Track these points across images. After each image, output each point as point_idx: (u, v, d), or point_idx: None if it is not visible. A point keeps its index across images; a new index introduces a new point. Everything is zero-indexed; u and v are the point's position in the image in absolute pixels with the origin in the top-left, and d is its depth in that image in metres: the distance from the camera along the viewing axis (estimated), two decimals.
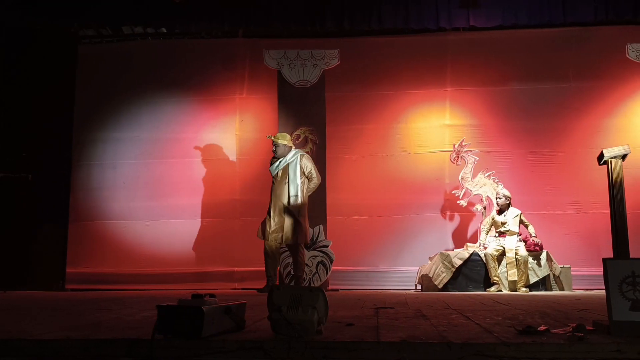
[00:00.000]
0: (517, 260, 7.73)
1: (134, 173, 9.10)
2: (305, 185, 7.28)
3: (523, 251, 7.80)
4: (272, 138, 7.44)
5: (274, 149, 7.36)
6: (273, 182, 7.33)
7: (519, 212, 8.11)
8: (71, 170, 9.02)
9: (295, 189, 7.17)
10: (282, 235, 7.13)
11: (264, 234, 7.20)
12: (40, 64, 8.91)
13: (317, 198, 8.02)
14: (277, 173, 7.29)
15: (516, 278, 7.70)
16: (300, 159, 7.31)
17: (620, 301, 2.66)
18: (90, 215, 9.20)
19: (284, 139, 7.41)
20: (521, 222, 8.08)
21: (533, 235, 8.02)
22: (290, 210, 7.12)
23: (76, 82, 9.19)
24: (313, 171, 7.34)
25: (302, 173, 7.28)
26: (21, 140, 8.75)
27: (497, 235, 8.06)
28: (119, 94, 9.53)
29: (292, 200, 7.13)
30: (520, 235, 7.99)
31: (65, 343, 2.57)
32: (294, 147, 7.48)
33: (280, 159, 7.32)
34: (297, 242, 7.18)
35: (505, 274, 7.76)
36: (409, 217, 9.00)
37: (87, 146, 9.36)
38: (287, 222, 7.10)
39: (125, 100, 9.51)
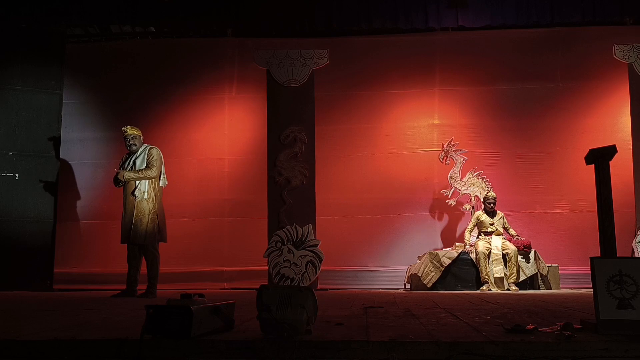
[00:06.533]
0: (507, 254, 7.82)
1: None
2: (156, 184, 6.79)
3: (512, 245, 7.88)
4: (128, 131, 6.89)
5: (128, 143, 6.85)
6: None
7: (502, 214, 8.31)
8: (59, 170, 8.96)
9: (144, 185, 6.73)
10: (131, 235, 6.67)
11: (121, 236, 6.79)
12: (28, 62, 8.85)
13: (306, 197, 8.02)
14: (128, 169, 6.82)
15: (502, 275, 7.75)
16: (149, 150, 6.85)
17: (608, 300, 2.68)
18: (78, 215, 9.17)
19: (139, 132, 6.95)
20: (503, 223, 8.25)
21: (516, 235, 8.12)
22: (139, 207, 6.68)
23: (64, 80, 9.14)
24: (153, 161, 6.77)
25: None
26: (7, 139, 8.68)
27: (482, 234, 8.15)
28: (107, 93, 9.49)
29: (138, 197, 6.70)
30: (503, 235, 8.15)
31: (53, 344, 2.55)
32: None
33: (132, 155, 6.88)
34: (147, 242, 6.70)
35: (492, 272, 7.81)
36: (398, 217, 9.02)
37: (75, 145, 9.30)
38: (137, 221, 6.64)
39: (113, 100, 9.47)
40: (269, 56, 8.32)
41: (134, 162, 6.85)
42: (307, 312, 2.64)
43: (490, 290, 7.62)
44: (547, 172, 8.90)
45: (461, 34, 9.18)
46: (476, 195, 8.57)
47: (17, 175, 8.56)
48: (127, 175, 6.74)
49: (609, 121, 8.87)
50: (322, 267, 7.71)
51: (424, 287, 7.90)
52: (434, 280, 7.90)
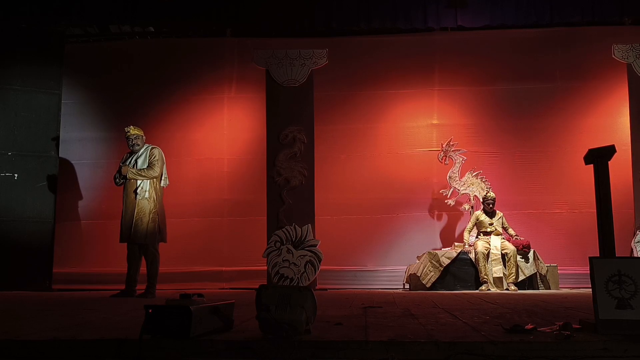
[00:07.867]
0: (506, 254, 7.82)
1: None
2: (157, 183, 6.81)
3: (511, 245, 7.89)
4: (130, 131, 6.90)
5: (131, 143, 6.85)
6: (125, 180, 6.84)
7: (501, 214, 8.31)
8: (58, 170, 8.95)
9: (145, 184, 6.73)
10: (132, 235, 6.65)
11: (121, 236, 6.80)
12: (27, 62, 8.84)
13: (305, 197, 8.02)
14: None
15: (501, 275, 7.76)
16: (150, 150, 6.88)
17: (607, 300, 2.69)
18: (78, 215, 9.17)
19: (141, 132, 6.98)
20: (502, 223, 8.25)
21: (515, 235, 8.13)
22: (140, 207, 6.68)
23: (63, 80, 9.13)
24: (155, 161, 6.80)
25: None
26: (6, 139, 8.67)
27: (481, 234, 8.16)
28: (106, 93, 9.49)
29: (139, 195, 6.70)
30: (502, 235, 8.15)
31: (53, 344, 2.55)
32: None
33: (133, 155, 6.89)
34: (147, 242, 6.70)
35: (491, 271, 7.81)
36: (397, 217, 9.02)
37: (74, 145, 9.30)
38: (137, 220, 6.63)
39: (112, 99, 9.47)
40: (268, 56, 8.32)
41: (136, 162, 6.87)
42: (306, 312, 2.64)
43: (489, 290, 7.62)
44: (546, 172, 8.91)
45: (460, 34, 9.18)
46: (475, 195, 8.58)
47: (16, 175, 8.55)
48: (130, 172, 6.75)
49: (608, 121, 8.87)
50: (321, 267, 7.71)
51: (423, 287, 7.90)
52: (433, 280, 7.90)
